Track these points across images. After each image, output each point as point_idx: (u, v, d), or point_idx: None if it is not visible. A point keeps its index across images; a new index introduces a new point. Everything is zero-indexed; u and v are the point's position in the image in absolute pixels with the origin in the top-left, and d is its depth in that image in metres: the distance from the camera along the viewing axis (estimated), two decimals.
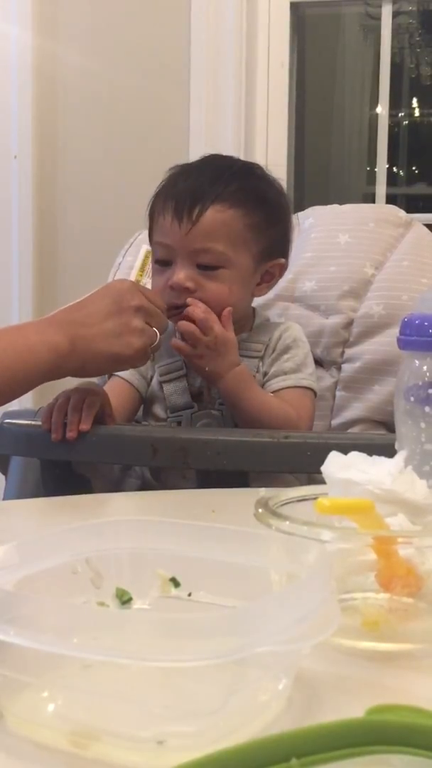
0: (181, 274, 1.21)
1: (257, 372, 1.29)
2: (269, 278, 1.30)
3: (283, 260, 1.30)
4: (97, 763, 0.43)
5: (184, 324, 1.20)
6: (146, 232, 1.34)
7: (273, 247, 1.28)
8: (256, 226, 1.24)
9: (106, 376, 1.41)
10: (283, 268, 1.32)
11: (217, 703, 0.46)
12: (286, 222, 1.32)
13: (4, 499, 1.21)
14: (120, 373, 1.32)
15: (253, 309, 1.35)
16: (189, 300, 1.21)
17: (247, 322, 1.32)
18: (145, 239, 1.51)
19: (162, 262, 1.25)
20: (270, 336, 1.31)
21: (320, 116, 3.52)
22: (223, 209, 1.22)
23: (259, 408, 1.21)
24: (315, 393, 1.30)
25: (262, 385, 1.28)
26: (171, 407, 1.29)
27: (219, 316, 1.22)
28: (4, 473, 1.24)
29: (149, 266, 1.53)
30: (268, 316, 1.39)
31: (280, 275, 1.32)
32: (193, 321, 1.20)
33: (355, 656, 0.56)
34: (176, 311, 1.21)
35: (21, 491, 1.20)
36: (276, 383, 1.27)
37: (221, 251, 1.22)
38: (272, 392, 1.26)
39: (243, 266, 1.25)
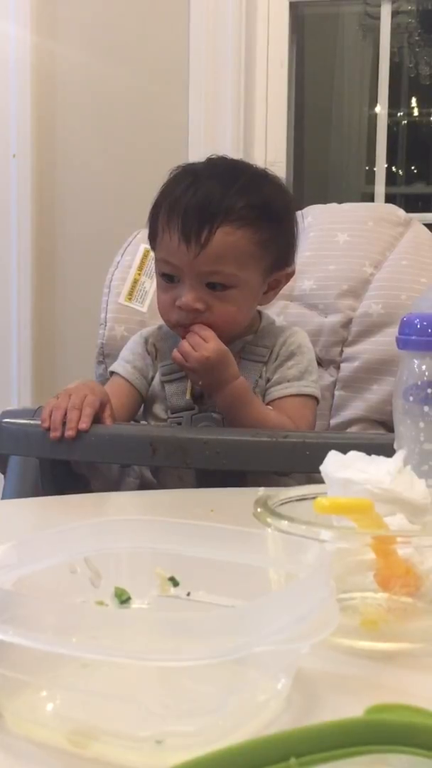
0: (189, 296, 1.19)
1: (260, 377, 1.28)
2: (275, 285, 1.29)
3: (290, 269, 1.29)
4: (96, 763, 0.43)
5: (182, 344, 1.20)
6: (145, 231, 1.33)
7: (281, 257, 1.26)
8: (265, 242, 1.22)
9: (107, 375, 1.41)
10: (290, 276, 1.31)
11: (216, 703, 0.46)
12: (293, 230, 1.29)
13: (2, 498, 1.21)
14: (120, 372, 1.32)
15: (259, 311, 1.34)
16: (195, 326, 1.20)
17: (253, 325, 1.31)
18: (143, 238, 1.51)
19: (168, 277, 1.23)
20: (275, 341, 1.30)
21: (319, 115, 3.52)
22: (232, 230, 1.19)
23: (255, 423, 1.20)
24: (318, 400, 1.30)
25: (265, 391, 1.27)
26: (171, 408, 1.28)
27: (226, 333, 1.21)
28: (3, 472, 1.24)
29: (148, 265, 1.54)
30: (274, 319, 1.37)
31: (287, 281, 1.31)
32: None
33: (354, 656, 0.56)
34: (183, 328, 1.21)
35: (20, 490, 1.20)
36: (278, 391, 1.27)
37: (231, 273, 1.20)
38: (274, 399, 1.26)
39: (252, 283, 1.23)
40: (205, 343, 1.18)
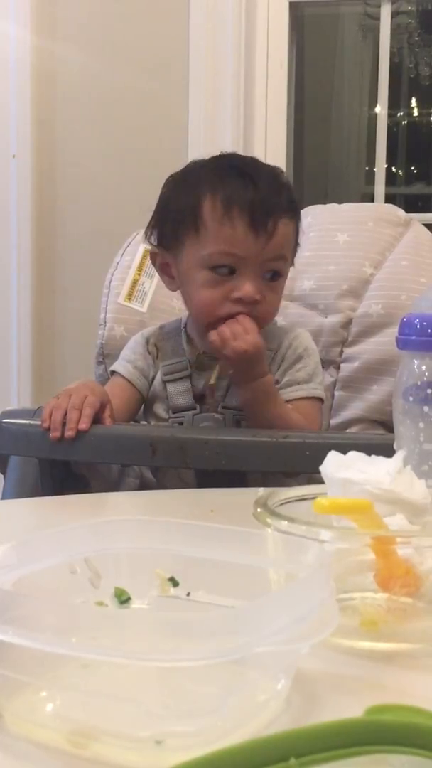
0: (251, 287, 1.20)
1: None
2: None
3: (293, 265, 1.32)
4: (96, 763, 0.43)
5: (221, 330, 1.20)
6: (143, 231, 1.32)
7: (296, 251, 1.31)
8: (297, 235, 1.28)
9: (107, 375, 1.41)
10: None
11: (216, 703, 0.46)
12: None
13: (2, 498, 1.21)
14: (121, 372, 1.32)
15: None
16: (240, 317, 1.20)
17: None
18: (143, 239, 1.51)
19: (221, 270, 1.22)
20: (279, 343, 1.31)
21: (319, 116, 3.53)
22: (288, 221, 1.24)
23: (276, 421, 1.20)
24: (323, 401, 1.31)
25: None
26: (173, 408, 1.28)
27: (266, 325, 1.25)
28: (3, 473, 1.24)
29: (147, 265, 1.54)
30: (275, 320, 1.38)
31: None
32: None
33: (353, 656, 0.56)
34: (223, 321, 1.20)
35: (20, 491, 1.20)
36: (288, 393, 1.27)
37: (286, 261, 1.25)
38: (286, 402, 1.26)
39: (287, 275, 1.28)
40: (246, 335, 1.18)
